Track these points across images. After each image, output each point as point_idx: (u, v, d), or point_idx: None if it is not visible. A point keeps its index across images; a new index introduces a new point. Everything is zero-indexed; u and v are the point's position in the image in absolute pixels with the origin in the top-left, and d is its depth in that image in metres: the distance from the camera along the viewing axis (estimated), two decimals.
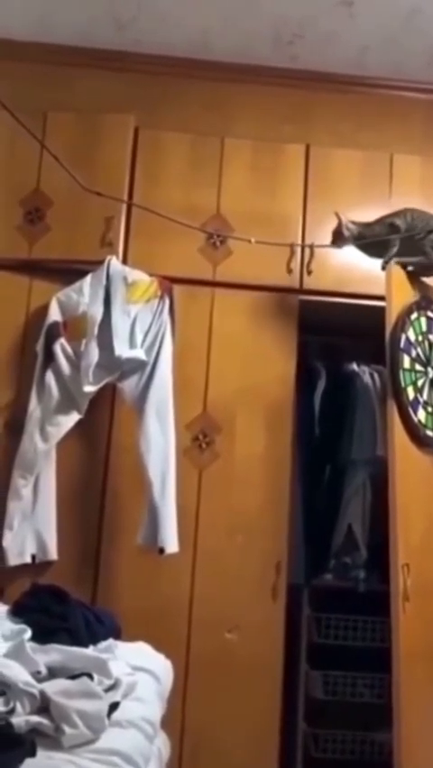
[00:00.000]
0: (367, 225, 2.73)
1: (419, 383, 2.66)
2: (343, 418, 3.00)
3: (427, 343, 2.72)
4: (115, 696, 1.76)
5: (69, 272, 2.81)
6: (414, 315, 2.69)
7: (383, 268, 2.68)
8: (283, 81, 3.15)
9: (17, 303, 2.83)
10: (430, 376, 2.71)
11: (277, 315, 2.88)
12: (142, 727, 1.74)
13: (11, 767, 1.43)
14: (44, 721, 1.60)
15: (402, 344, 2.61)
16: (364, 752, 2.83)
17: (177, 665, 2.25)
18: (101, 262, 2.77)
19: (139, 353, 2.69)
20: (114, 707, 1.72)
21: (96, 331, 2.68)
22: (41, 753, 1.50)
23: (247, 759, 2.62)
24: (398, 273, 2.69)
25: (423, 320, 2.73)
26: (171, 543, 2.58)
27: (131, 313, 2.73)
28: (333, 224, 2.72)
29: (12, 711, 1.60)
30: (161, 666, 2.12)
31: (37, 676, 1.73)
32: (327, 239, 2.76)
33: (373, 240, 2.70)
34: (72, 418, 2.68)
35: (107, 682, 1.79)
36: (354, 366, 3.05)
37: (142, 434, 2.64)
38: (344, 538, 2.92)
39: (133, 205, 2.83)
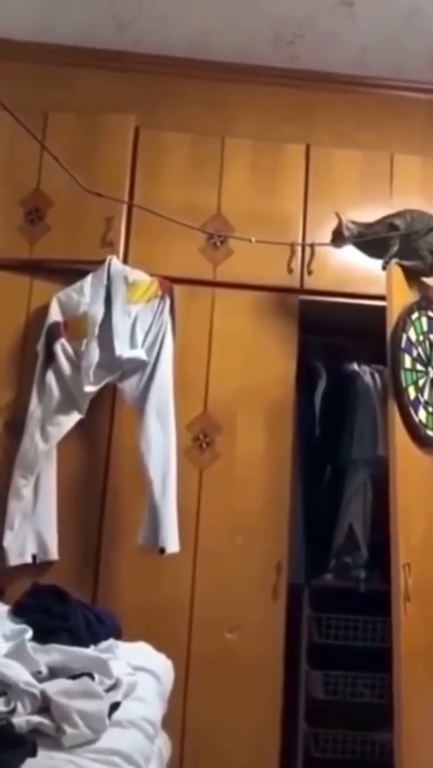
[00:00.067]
0: (367, 225, 2.73)
1: (420, 383, 2.66)
2: (343, 418, 3.00)
3: (427, 343, 2.72)
4: (115, 696, 1.76)
5: (69, 272, 2.81)
6: (415, 315, 2.69)
7: (384, 268, 2.68)
8: (283, 81, 3.15)
9: (18, 303, 2.83)
10: (431, 376, 2.71)
11: (277, 314, 2.88)
12: (142, 727, 1.74)
13: (12, 767, 1.43)
14: (45, 721, 1.60)
15: (403, 344, 2.61)
16: (365, 752, 2.83)
17: (177, 665, 2.25)
18: (102, 262, 2.77)
19: (139, 353, 2.69)
20: (114, 707, 1.72)
21: (96, 331, 2.68)
22: (41, 753, 1.50)
23: (248, 759, 2.62)
24: (398, 273, 2.68)
25: (424, 320, 2.73)
26: (172, 543, 2.58)
27: (131, 313, 2.73)
28: (333, 224, 2.72)
29: (13, 711, 1.60)
30: (162, 666, 2.12)
31: (38, 676, 1.74)
32: (328, 239, 2.76)
33: (372, 239, 2.70)
34: (73, 418, 2.68)
35: (108, 682, 1.79)
36: (355, 366, 3.05)
37: (143, 434, 2.64)
38: (344, 538, 2.92)
39: (134, 205, 2.83)
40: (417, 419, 2.61)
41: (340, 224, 2.71)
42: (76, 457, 2.76)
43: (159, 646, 2.18)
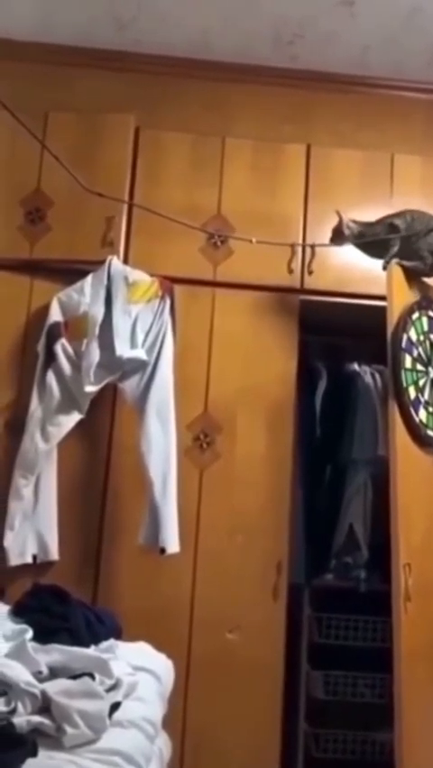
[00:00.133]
0: (368, 225, 2.73)
1: (421, 383, 2.66)
2: (344, 418, 3.00)
3: (428, 343, 2.72)
4: (116, 696, 1.76)
5: (69, 272, 2.81)
6: (415, 315, 2.69)
7: (384, 268, 2.68)
8: (284, 81, 3.15)
9: (18, 303, 2.83)
10: (431, 376, 2.71)
11: (278, 314, 2.88)
12: (143, 727, 1.74)
13: (12, 767, 1.43)
14: (46, 721, 1.60)
15: (404, 344, 2.61)
16: (365, 752, 2.83)
17: (178, 665, 2.25)
18: (102, 262, 2.77)
19: (140, 353, 2.69)
20: (115, 707, 1.72)
21: (97, 331, 2.68)
22: (42, 753, 1.51)
23: (248, 759, 2.62)
24: (399, 273, 2.68)
25: (424, 320, 2.73)
26: (172, 543, 2.58)
27: (132, 313, 2.73)
28: (334, 224, 2.72)
29: (13, 711, 1.60)
30: (163, 666, 2.12)
31: (38, 676, 1.74)
32: (328, 239, 2.76)
33: (372, 239, 2.70)
34: (73, 418, 2.68)
35: (109, 682, 1.79)
36: (356, 366, 3.05)
37: (143, 434, 2.64)
38: (345, 538, 2.92)
39: (134, 205, 2.83)
40: (417, 419, 2.61)
41: (340, 223, 2.71)
42: (76, 457, 2.76)
43: (159, 646, 2.18)
